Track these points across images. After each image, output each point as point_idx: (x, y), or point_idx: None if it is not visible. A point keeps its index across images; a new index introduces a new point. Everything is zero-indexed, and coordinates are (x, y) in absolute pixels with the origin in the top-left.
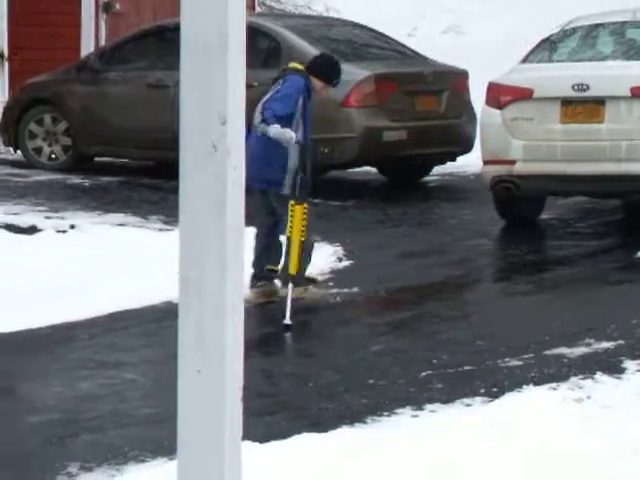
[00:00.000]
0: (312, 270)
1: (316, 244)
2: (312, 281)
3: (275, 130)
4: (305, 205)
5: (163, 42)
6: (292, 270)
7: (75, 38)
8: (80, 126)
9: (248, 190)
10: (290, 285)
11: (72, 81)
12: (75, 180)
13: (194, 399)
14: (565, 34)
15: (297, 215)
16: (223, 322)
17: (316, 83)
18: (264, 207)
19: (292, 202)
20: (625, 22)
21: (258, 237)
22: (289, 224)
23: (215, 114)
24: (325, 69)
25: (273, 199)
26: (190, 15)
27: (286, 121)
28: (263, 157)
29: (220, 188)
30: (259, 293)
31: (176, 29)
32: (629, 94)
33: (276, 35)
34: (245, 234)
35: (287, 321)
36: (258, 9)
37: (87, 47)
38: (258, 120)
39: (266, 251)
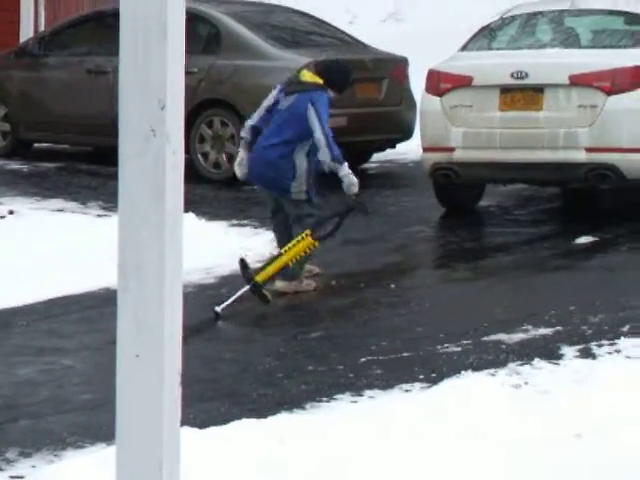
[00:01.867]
0: (253, 257)
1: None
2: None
3: (345, 173)
4: (316, 243)
5: (102, 27)
6: (259, 278)
7: (14, 23)
8: (19, 112)
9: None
10: (247, 287)
11: (11, 66)
12: (14, 166)
13: (133, 384)
14: (504, 22)
15: (302, 245)
16: (162, 307)
17: (330, 93)
18: (270, 204)
19: (308, 232)
20: (564, 10)
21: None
22: (291, 244)
23: (154, 99)
24: (342, 78)
25: (285, 202)
26: (129, 0)
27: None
28: (272, 159)
29: (159, 173)
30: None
31: (115, 14)
32: (568, 82)
33: (216, 21)
34: (183, 219)
35: (218, 309)
36: None
37: (26, 32)
38: (328, 158)
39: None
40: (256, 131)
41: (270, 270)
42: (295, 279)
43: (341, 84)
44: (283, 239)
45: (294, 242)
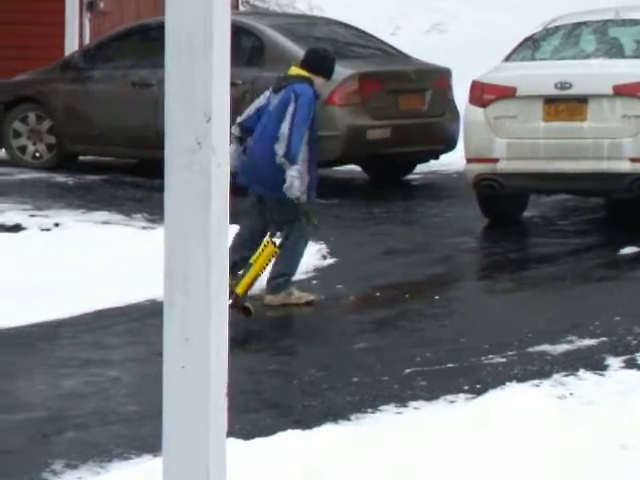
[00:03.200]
0: (303, 269)
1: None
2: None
3: (293, 174)
4: (276, 249)
5: (147, 40)
6: (240, 289)
7: (59, 36)
8: (64, 124)
9: (243, 191)
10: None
11: (56, 79)
12: (59, 178)
13: (179, 395)
14: (548, 32)
15: (266, 253)
16: (208, 318)
17: (318, 81)
18: (256, 211)
19: (267, 241)
20: (608, 21)
21: (237, 237)
22: (257, 254)
23: (200, 111)
24: (325, 65)
25: (271, 204)
26: (175, 13)
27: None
28: (264, 161)
29: (205, 185)
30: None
31: (159, 27)
32: (611, 92)
33: (260, 34)
34: (229, 231)
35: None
36: (242, 8)
37: (71, 45)
38: (281, 152)
39: (237, 249)
40: (244, 129)
41: (245, 282)
42: (281, 291)
43: (327, 70)
44: (250, 245)
45: (259, 251)
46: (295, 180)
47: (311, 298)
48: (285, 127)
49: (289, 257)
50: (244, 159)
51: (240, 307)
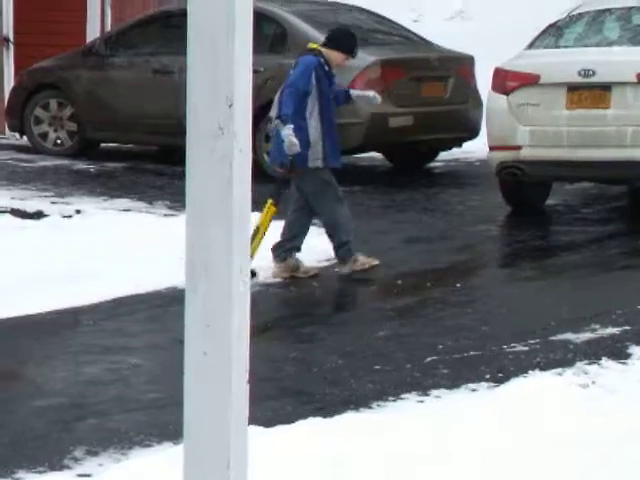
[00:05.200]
0: (318, 256)
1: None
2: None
3: (287, 132)
4: (275, 210)
5: (168, 27)
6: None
7: (81, 23)
8: (86, 111)
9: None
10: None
11: (78, 66)
12: (81, 165)
13: (200, 382)
14: (571, 20)
15: (269, 214)
16: (229, 304)
17: (336, 57)
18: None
19: (271, 201)
20: (632, 8)
21: (291, 214)
22: (261, 218)
23: (222, 97)
24: (343, 40)
25: (298, 178)
26: (197, 0)
27: (302, 98)
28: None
29: (227, 171)
30: (282, 267)
31: (181, 14)
32: (635, 80)
33: (282, 20)
34: (251, 218)
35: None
36: None
37: (93, 32)
38: (274, 113)
39: (290, 227)
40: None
41: (254, 245)
42: (347, 261)
43: (344, 45)
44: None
45: (263, 214)
46: (291, 137)
47: (376, 262)
48: (278, 92)
49: (335, 226)
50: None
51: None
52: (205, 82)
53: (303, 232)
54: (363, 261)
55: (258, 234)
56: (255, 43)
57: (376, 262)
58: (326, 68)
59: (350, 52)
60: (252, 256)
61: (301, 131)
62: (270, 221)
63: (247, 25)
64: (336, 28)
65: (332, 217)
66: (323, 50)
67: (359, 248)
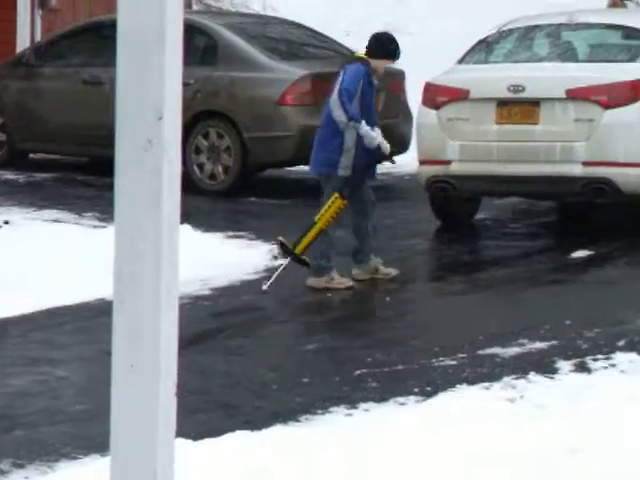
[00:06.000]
0: (248, 269)
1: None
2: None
3: (366, 129)
4: (344, 202)
5: (99, 38)
6: (298, 250)
7: (11, 33)
8: (15, 122)
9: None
10: (288, 260)
11: (7, 76)
12: (9, 176)
13: (128, 394)
14: (501, 35)
15: (333, 208)
16: (158, 318)
17: (382, 65)
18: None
19: (336, 194)
20: (561, 24)
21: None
22: (322, 211)
23: (152, 109)
24: (388, 47)
25: (324, 180)
26: (127, 11)
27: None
28: (324, 142)
29: (156, 183)
30: (364, 270)
31: (112, 25)
32: (564, 96)
33: (213, 33)
34: (179, 230)
35: (265, 287)
36: (195, 7)
37: (23, 42)
38: (342, 117)
39: (355, 233)
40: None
41: (306, 240)
42: (323, 274)
43: (386, 50)
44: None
45: (325, 208)
46: (369, 133)
47: (350, 283)
48: (334, 94)
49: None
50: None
51: (298, 261)
52: (135, 94)
53: (368, 234)
54: (338, 280)
55: (313, 228)
56: (185, 55)
57: (350, 283)
58: (371, 78)
59: (394, 57)
60: (298, 250)
61: (337, 136)
62: (334, 215)
63: (177, 37)
64: (376, 36)
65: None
66: (371, 61)
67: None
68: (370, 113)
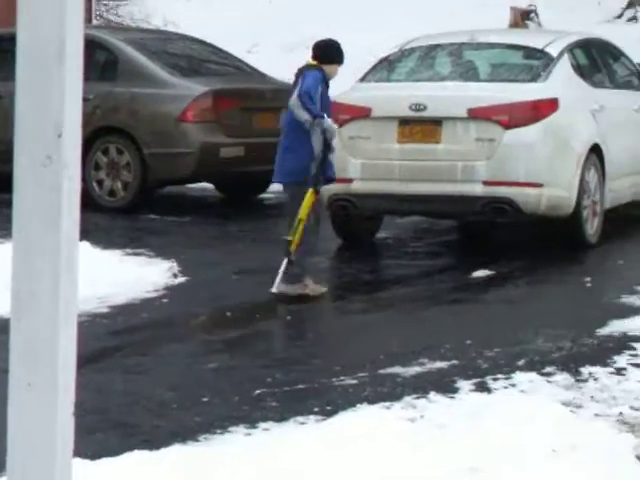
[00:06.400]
0: (148, 287)
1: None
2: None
3: (329, 122)
4: (317, 196)
5: None
6: (292, 250)
7: None
8: None
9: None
10: (285, 261)
11: None
12: None
13: (25, 413)
14: (403, 54)
15: (308, 201)
16: (56, 336)
17: (335, 70)
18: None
19: (312, 191)
20: (463, 43)
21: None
22: (302, 208)
23: (51, 125)
24: (336, 53)
25: (294, 189)
26: (27, 25)
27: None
28: (291, 149)
29: (55, 200)
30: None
31: (11, 39)
32: (466, 115)
33: (114, 48)
34: (79, 247)
35: (273, 289)
36: (95, 21)
37: None
38: (306, 117)
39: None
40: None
41: (297, 239)
42: (298, 282)
43: (333, 56)
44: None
45: (303, 204)
46: (333, 125)
47: (324, 290)
48: (294, 96)
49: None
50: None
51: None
52: (34, 109)
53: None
54: (313, 287)
55: (299, 224)
56: (85, 70)
57: (324, 289)
58: (327, 83)
59: (339, 61)
60: (294, 245)
61: (305, 145)
62: (310, 207)
63: (78, 52)
64: (321, 43)
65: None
66: (325, 67)
67: (193, 279)
68: (328, 115)
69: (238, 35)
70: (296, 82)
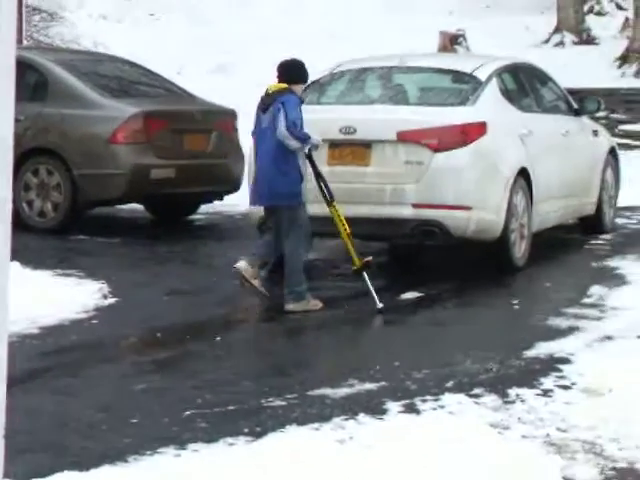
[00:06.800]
0: (77, 307)
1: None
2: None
3: (315, 139)
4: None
5: None
6: (355, 265)
7: None
8: None
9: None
10: (364, 274)
11: None
12: None
13: None
14: (333, 77)
15: (337, 212)
16: None
17: (299, 89)
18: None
19: (331, 204)
20: (392, 67)
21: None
22: (338, 221)
23: None
24: (297, 72)
25: (282, 213)
26: None
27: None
28: (283, 172)
29: None
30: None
31: None
32: (395, 138)
33: (44, 69)
34: (10, 269)
35: (379, 305)
36: (26, 42)
37: None
38: (297, 145)
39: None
40: None
41: (351, 251)
42: (303, 299)
43: (301, 76)
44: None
45: (336, 217)
46: (319, 140)
47: (321, 305)
48: (281, 127)
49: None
50: (258, 179)
51: (361, 271)
52: None
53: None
54: (313, 302)
55: (346, 241)
56: (16, 91)
57: (320, 304)
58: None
59: (305, 80)
60: (356, 265)
61: (294, 168)
62: (341, 217)
63: (9, 74)
64: (288, 64)
65: (295, 256)
66: (294, 87)
67: (123, 300)
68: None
69: (167, 57)
70: (267, 106)
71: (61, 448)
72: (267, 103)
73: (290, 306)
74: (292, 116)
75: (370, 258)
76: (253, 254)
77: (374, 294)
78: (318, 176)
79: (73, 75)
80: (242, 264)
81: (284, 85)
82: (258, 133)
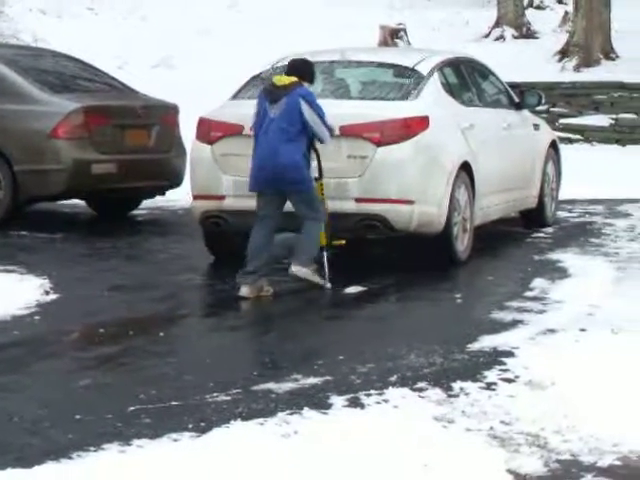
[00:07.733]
0: (19, 303)
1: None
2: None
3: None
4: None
5: None
6: (323, 241)
7: None
8: None
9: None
10: (324, 253)
11: None
12: None
13: None
14: (275, 71)
15: (322, 190)
16: None
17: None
18: (276, 205)
19: (315, 184)
20: (334, 61)
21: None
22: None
23: None
24: (310, 70)
25: (296, 198)
26: None
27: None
28: (291, 166)
29: None
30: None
31: None
32: (337, 133)
33: None
34: None
35: (327, 285)
36: None
37: None
38: (326, 135)
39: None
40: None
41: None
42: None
43: (311, 75)
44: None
45: (320, 193)
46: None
47: (271, 291)
48: (318, 125)
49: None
50: (260, 165)
51: (334, 245)
52: None
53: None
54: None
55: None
56: None
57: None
58: None
59: (312, 80)
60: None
61: (302, 155)
62: (322, 194)
63: None
64: (298, 61)
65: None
66: (304, 83)
67: (65, 296)
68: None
69: (108, 52)
70: (276, 97)
71: (4, 445)
72: (278, 94)
73: (297, 268)
74: (318, 109)
75: (343, 242)
76: (295, 255)
77: (327, 273)
78: (318, 156)
79: (13, 70)
80: (295, 267)
81: (294, 78)
82: (261, 122)
